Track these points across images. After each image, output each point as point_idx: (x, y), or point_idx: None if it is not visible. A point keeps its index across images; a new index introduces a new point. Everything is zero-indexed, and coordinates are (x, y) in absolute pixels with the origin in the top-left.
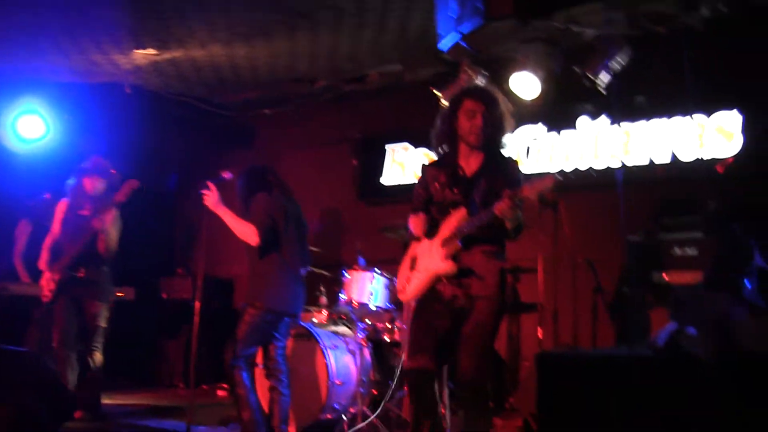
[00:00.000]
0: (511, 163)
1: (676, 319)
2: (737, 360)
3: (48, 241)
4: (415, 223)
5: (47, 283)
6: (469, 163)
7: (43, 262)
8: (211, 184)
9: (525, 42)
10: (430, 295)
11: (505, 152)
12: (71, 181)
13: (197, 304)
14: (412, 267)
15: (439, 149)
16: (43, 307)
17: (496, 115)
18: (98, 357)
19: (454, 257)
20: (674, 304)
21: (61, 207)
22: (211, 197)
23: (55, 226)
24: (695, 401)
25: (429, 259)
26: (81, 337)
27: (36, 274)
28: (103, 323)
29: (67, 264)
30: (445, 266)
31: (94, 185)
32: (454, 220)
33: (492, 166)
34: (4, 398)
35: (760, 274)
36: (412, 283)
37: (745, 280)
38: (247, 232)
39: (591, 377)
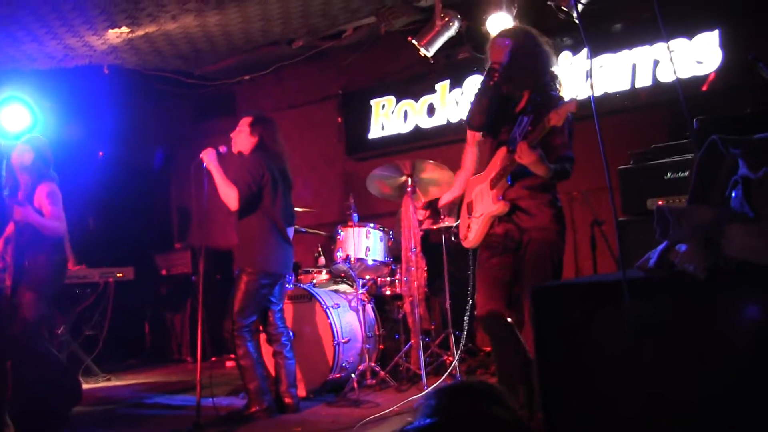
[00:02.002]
0: (555, 99)
1: (664, 237)
2: (728, 272)
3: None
4: (465, 157)
5: (8, 277)
6: (518, 102)
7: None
8: (209, 149)
9: None
10: (488, 240)
11: (555, 88)
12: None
13: (200, 280)
14: (470, 213)
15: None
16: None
17: (521, 54)
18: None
19: (505, 196)
20: (660, 223)
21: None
22: (208, 156)
23: None
24: (689, 317)
25: (483, 203)
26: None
27: None
28: (33, 312)
29: (14, 254)
30: (498, 207)
31: (22, 158)
32: (497, 160)
33: (535, 104)
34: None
35: (744, 183)
36: (473, 230)
37: (731, 191)
38: (229, 194)
39: (584, 304)
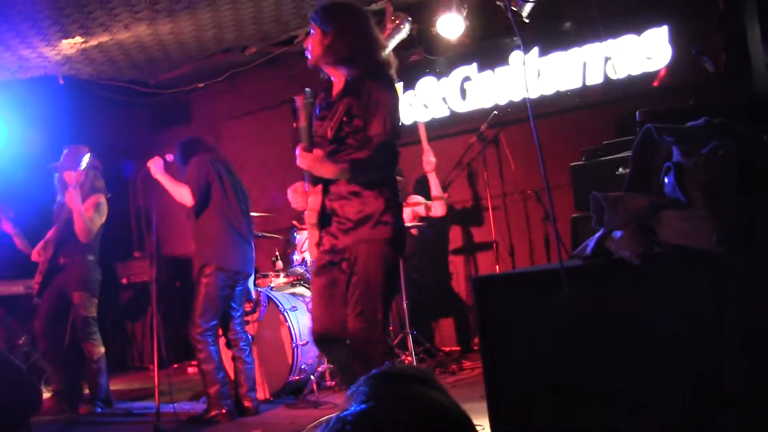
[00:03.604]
0: (374, 79)
1: (600, 225)
2: (662, 257)
3: (48, 236)
4: None
5: (36, 276)
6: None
7: (34, 253)
8: (155, 158)
9: None
10: (320, 255)
11: (376, 70)
12: (55, 178)
13: (153, 287)
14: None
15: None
16: (35, 300)
17: (331, 31)
18: (92, 348)
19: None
20: (596, 210)
21: (57, 204)
22: (155, 165)
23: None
24: (626, 302)
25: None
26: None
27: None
28: (86, 312)
29: (50, 254)
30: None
31: (71, 176)
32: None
33: (351, 88)
34: None
35: (677, 169)
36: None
37: (664, 177)
38: (182, 193)
39: (524, 293)
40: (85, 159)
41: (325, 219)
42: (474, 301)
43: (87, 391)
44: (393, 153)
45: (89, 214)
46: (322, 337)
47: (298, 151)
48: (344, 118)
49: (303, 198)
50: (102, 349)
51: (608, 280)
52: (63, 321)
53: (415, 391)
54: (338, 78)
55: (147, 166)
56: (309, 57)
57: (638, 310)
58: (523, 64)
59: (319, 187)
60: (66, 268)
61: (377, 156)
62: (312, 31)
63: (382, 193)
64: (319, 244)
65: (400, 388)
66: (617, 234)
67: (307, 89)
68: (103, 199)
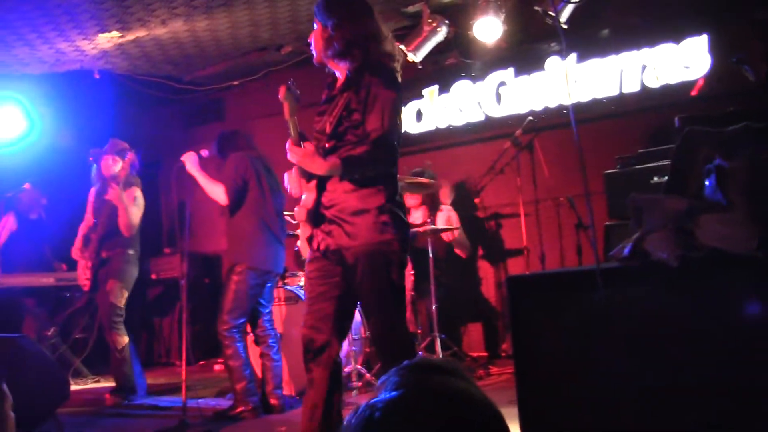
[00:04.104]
0: (373, 73)
1: (638, 227)
2: (700, 260)
3: (82, 230)
4: None
5: (83, 272)
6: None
7: (74, 251)
8: (190, 153)
9: None
10: (312, 254)
11: (376, 64)
12: (94, 170)
13: (184, 281)
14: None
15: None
16: (85, 296)
17: (331, 24)
18: (117, 338)
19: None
20: (634, 212)
21: (91, 195)
22: (189, 161)
23: (87, 215)
24: (662, 305)
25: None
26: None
27: (24, 265)
28: (116, 300)
29: (96, 248)
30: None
31: (108, 166)
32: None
33: (351, 83)
34: None
35: (718, 172)
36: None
37: (705, 180)
38: (216, 192)
39: (558, 293)
40: (128, 155)
41: (318, 216)
42: (508, 300)
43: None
44: (389, 149)
45: (130, 207)
46: (308, 342)
47: (287, 146)
48: (343, 113)
49: (299, 185)
50: (126, 339)
51: (645, 283)
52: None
53: (445, 382)
54: (341, 73)
55: (181, 160)
56: (314, 53)
57: (675, 313)
58: (564, 70)
59: (314, 183)
60: (108, 262)
61: (372, 152)
62: (315, 26)
63: (380, 192)
64: (310, 240)
65: (430, 378)
66: (655, 236)
67: (290, 80)
68: (139, 192)
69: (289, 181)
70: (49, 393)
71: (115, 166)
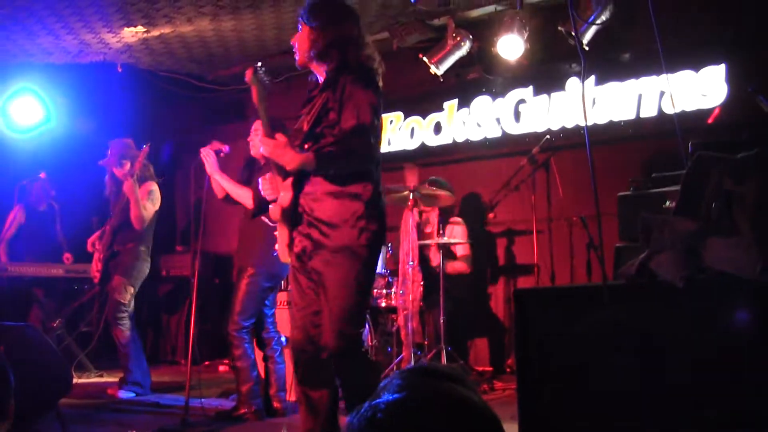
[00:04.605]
0: (350, 73)
1: (646, 246)
2: (705, 282)
3: (103, 228)
4: None
5: (95, 264)
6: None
7: (89, 242)
8: (208, 150)
9: None
10: (293, 257)
11: (354, 64)
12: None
13: (195, 279)
14: None
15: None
16: (97, 288)
17: (315, 26)
18: (120, 333)
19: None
20: (643, 231)
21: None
22: (209, 162)
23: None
24: (666, 325)
25: None
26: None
27: (32, 256)
28: (120, 297)
29: (108, 242)
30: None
31: (120, 171)
32: None
33: (328, 83)
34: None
35: (727, 197)
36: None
37: (714, 204)
38: (243, 195)
39: (565, 308)
40: (142, 151)
41: (295, 217)
42: (515, 312)
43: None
44: (364, 145)
45: (143, 201)
46: (296, 352)
47: (259, 137)
48: (321, 113)
49: (274, 188)
50: (129, 334)
51: (651, 301)
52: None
53: (448, 387)
54: (320, 75)
55: (201, 158)
56: (296, 55)
57: (680, 333)
58: (583, 91)
59: (289, 181)
60: (118, 256)
61: (345, 146)
62: (299, 27)
63: (358, 196)
64: (290, 245)
65: (433, 383)
66: (663, 256)
67: (259, 63)
68: (155, 187)
69: (264, 185)
70: (52, 384)
71: (126, 167)
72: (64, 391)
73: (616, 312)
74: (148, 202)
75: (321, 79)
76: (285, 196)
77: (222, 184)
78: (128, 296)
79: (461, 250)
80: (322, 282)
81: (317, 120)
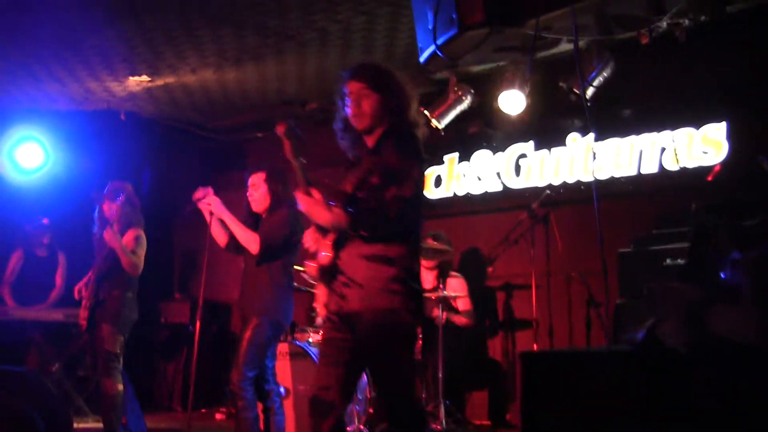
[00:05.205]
0: (393, 139)
1: (653, 313)
2: (711, 349)
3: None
4: None
5: (82, 311)
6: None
7: (75, 290)
8: (205, 190)
9: (499, 51)
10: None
11: (397, 129)
12: (96, 211)
13: (197, 326)
14: None
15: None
16: (86, 336)
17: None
18: (110, 384)
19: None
20: (649, 298)
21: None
22: (213, 202)
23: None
24: (672, 391)
25: None
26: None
27: (28, 300)
28: (110, 347)
29: (93, 289)
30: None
31: (110, 209)
32: None
33: (375, 148)
34: (3, 415)
35: (731, 264)
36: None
37: (719, 271)
38: (249, 241)
39: (571, 373)
40: (121, 196)
41: (333, 276)
42: (520, 375)
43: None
44: (400, 213)
45: (131, 247)
46: (316, 404)
47: (296, 194)
48: (365, 176)
49: (315, 241)
50: (120, 387)
51: (657, 368)
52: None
53: None
54: (370, 138)
55: (196, 199)
56: (355, 119)
57: (685, 399)
58: (588, 146)
59: (330, 239)
60: (105, 303)
61: (381, 213)
62: (356, 90)
63: (393, 260)
64: (326, 305)
65: None
66: (668, 323)
67: (290, 120)
68: (140, 233)
69: (306, 236)
70: (53, 430)
71: (111, 209)
72: None
73: (623, 378)
74: (137, 247)
75: (368, 141)
76: (324, 255)
77: (230, 225)
78: (118, 346)
79: (462, 305)
80: (362, 343)
81: (360, 183)
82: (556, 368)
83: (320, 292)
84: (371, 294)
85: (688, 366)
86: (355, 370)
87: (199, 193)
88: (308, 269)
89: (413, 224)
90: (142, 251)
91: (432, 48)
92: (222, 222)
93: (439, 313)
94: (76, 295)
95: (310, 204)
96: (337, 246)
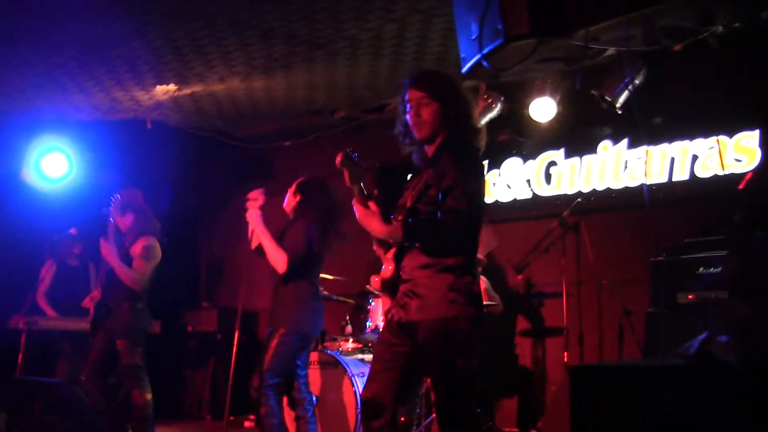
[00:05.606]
0: (452, 150)
1: (706, 328)
2: (765, 365)
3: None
4: None
5: (90, 317)
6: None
7: (87, 300)
8: (257, 195)
9: (543, 61)
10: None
11: (458, 139)
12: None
13: (236, 335)
14: None
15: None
16: (91, 340)
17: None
18: (139, 395)
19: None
20: (702, 314)
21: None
22: (251, 215)
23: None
24: (727, 408)
25: None
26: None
27: (62, 310)
28: (129, 360)
29: (99, 297)
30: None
31: (122, 222)
32: None
33: (434, 159)
34: (40, 427)
35: None
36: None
37: None
38: (278, 259)
39: (624, 388)
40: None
41: (396, 288)
42: (570, 389)
43: None
44: (456, 225)
45: (138, 255)
46: (368, 404)
47: (354, 204)
48: (424, 189)
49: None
50: (149, 396)
51: (710, 383)
52: (110, 367)
53: None
54: (430, 149)
55: (248, 199)
56: (415, 129)
57: (738, 415)
58: (645, 157)
59: (391, 253)
60: (113, 314)
61: (436, 225)
62: (425, 101)
63: (451, 269)
64: (388, 312)
65: None
66: (722, 338)
67: (349, 148)
68: (152, 241)
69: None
70: None
71: (123, 222)
72: None
73: (676, 393)
74: (143, 258)
75: (429, 150)
76: (386, 269)
77: (262, 240)
78: (138, 356)
79: (488, 297)
80: (421, 351)
81: (419, 196)
82: (605, 382)
83: (384, 304)
84: (430, 304)
85: (741, 381)
86: (411, 376)
87: (253, 194)
88: (372, 283)
89: (471, 235)
90: (147, 263)
91: (477, 58)
92: None
93: None
94: (85, 303)
95: (366, 215)
96: (398, 258)
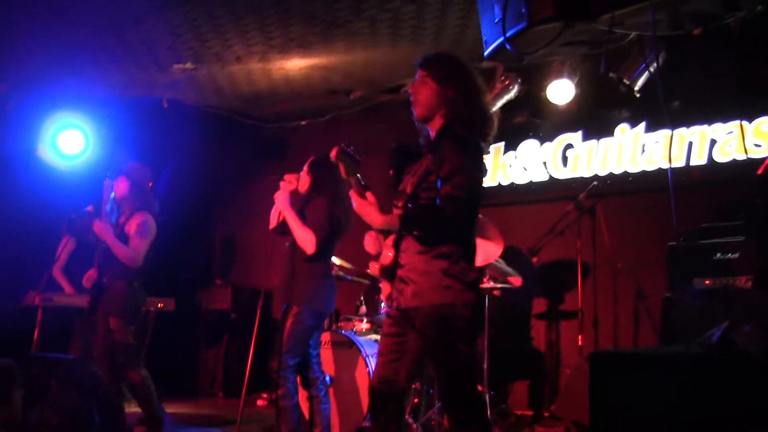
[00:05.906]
0: (443, 139)
1: (729, 317)
2: None
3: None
4: None
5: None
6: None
7: (84, 278)
8: (292, 179)
9: (566, 45)
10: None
11: (456, 125)
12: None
13: (257, 315)
14: None
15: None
16: (90, 316)
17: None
18: (133, 373)
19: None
20: (725, 303)
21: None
22: (280, 196)
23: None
24: (749, 397)
25: None
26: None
27: (79, 287)
28: (124, 338)
29: (95, 274)
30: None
31: (118, 189)
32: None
33: (433, 144)
34: (56, 404)
35: None
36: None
37: None
38: (306, 239)
39: (645, 374)
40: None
41: (395, 274)
42: (590, 376)
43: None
44: (454, 213)
45: (133, 232)
46: (376, 391)
47: (350, 193)
48: (424, 175)
49: (375, 244)
50: (144, 372)
51: (732, 372)
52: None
53: None
54: (432, 131)
55: (282, 180)
56: (415, 108)
57: (760, 405)
58: (671, 137)
59: (391, 239)
60: (109, 292)
61: (433, 212)
62: (421, 80)
63: (446, 255)
64: (389, 298)
65: None
66: (745, 327)
67: (343, 143)
68: (147, 218)
69: (367, 240)
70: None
71: (119, 190)
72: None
73: (697, 380)
74: (140, 234)
75: (431, 133)
76: (386, 255)
77: (289, 221)
78: (131, 336)
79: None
80: (421, 337)
81: (420, 182)
82: (626, 368)
83: (384, 289)
84: (425, 290)
85: (764, 370)
86: (414, 361)
87: (289, 176)
88: (372, 269)
89: (467, 222)
90: (146, 238)
91: (500, 41)
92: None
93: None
94: (85, 282)
95: (363, 205)
96: (397, 244)
